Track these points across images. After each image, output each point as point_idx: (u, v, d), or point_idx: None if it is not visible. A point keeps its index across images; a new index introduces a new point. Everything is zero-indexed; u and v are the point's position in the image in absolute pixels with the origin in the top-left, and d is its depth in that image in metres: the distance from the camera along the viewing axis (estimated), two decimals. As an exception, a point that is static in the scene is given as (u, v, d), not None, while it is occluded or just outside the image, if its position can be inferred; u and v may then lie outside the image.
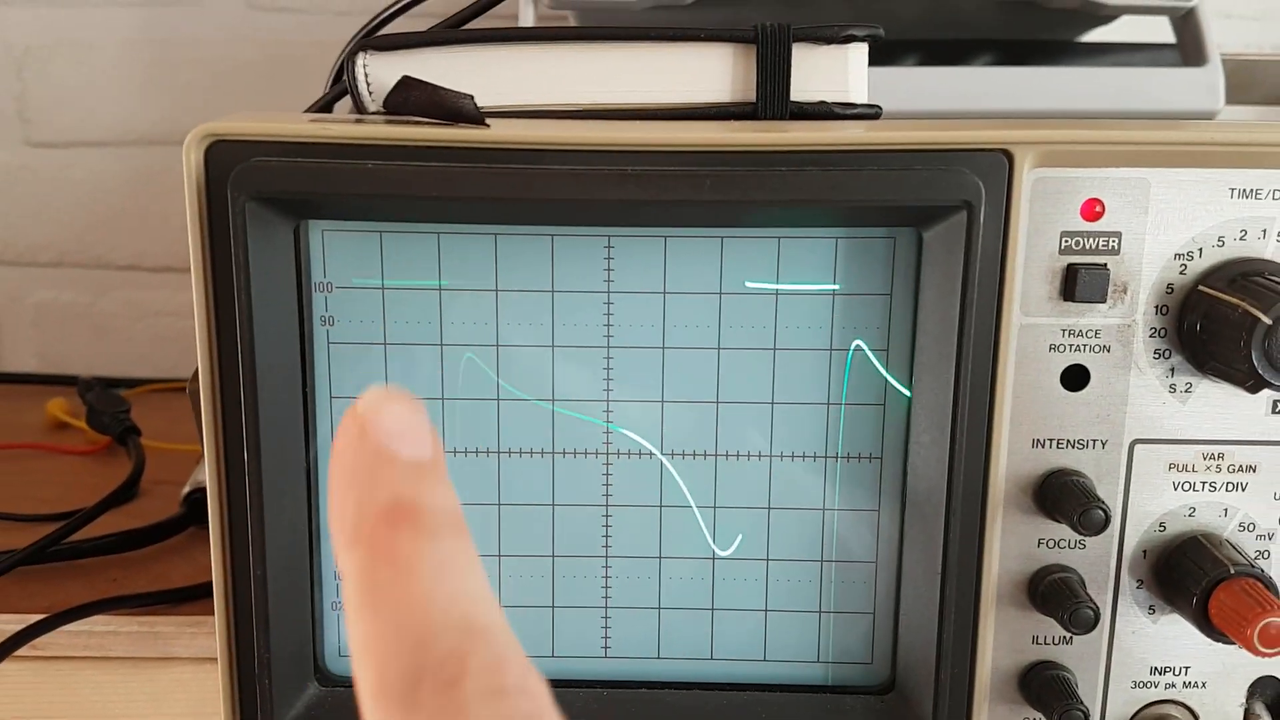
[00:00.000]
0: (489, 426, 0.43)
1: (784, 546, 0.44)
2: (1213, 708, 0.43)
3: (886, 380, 0.42)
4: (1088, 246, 0.39)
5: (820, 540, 0.44)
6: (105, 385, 0.82)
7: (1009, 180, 0.38)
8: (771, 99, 0.42)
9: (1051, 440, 0.41)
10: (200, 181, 0.38)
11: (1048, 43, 0.72)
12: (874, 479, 0.43)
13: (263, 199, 0.38)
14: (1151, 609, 0.43)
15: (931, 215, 0.39)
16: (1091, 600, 0.40)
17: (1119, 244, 0.39)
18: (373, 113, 0.43)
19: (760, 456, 0.43)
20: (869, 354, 0.42)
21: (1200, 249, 0.40)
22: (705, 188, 0.38)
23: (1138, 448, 0.41)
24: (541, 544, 0.44)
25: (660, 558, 0.44)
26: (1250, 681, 0.43)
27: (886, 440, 0.43)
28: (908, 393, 0.41)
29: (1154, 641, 0.43)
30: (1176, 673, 0.43)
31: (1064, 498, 0.40)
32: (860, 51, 0.42)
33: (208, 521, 0.62)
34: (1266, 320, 0.37)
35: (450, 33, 0.43)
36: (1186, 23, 0.63)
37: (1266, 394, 0.40)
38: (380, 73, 0.42)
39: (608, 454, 0.43)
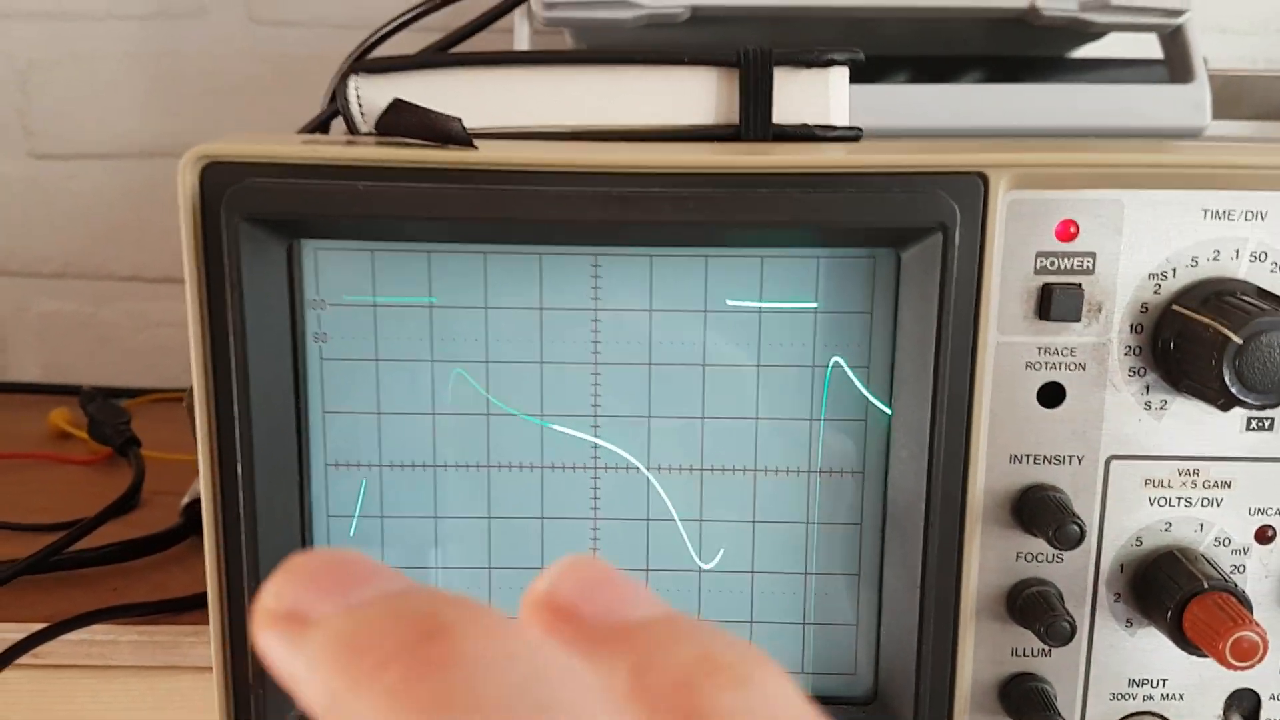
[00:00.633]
0: (479, 441, 0.44)
1: (767, 559, 0.45)
2: None
3: (867, 398, 0.43)
4: (1063, 267, 0.40)
5: (804, 553, 0.45)
6: (106, 396, 0.82)
7: (984, 202, 0.39)
8: (754, 121, 0.43)
9: (1029, 456, 0.42)
10: (195, 202, 0.39)
11: (1037, 59, 0.73)
12: (855, 493, 0.44)
13: (256, 219, 0.39)
14: (1129, 622, 0.43)
15: (909, 236, 0.40)
16: (1068, 613, 0.41)
17: (1093, 264, 0.40)
18: (364, 134, 0.44)
19: (744, 471, 0.44)
20: (849, 372, 0.43)
21: (1174, 269, 0.40)
22: (689, 209, 0.39)
23: (1114, 463, 0.42)
24: (531, 556, 0.45)
25: (647, 570, 0.45)
26: (1227, 694, 0.44)
27: (868, 455, 0.43)
28: (888, 410, 0.42)
29: (1131, 654, 0.44)
30: (1154, 685, 0.44)
31: (1041, 512, 0.41)
32: (841, 75, 0.43)
33: (206, 532, 0.63)
34: (1237, 340, 0.37)
35: (440, 56, 0.44)
36: (1174, 39, 0.63)
37: (1240, 411, 0.41)
38: (372, 95, 0.43)
39: (595, 468, 0.44)
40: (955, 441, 0.41)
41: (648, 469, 0.44)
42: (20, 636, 0.51)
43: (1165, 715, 0.44)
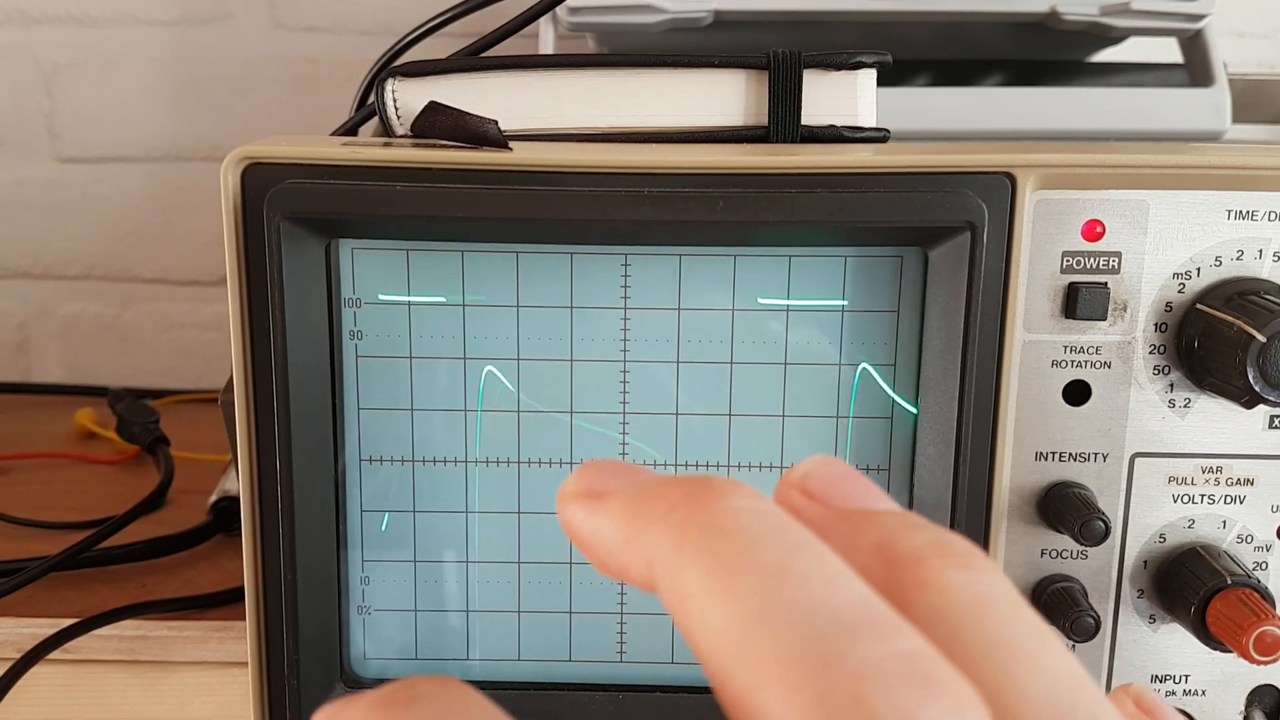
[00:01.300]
0: (509, 437, 0.45)
1: (794, 555, 0.45)
2: (1212, 715, 0.44)
3: (892, 398, 0.43)
4: (1088, 266, 0.41)
5: (830, 549, 0.45)
6: (134, 396, 0.83)
7: (1012, 202, 0.40)
8: (783, 123, 0.43)
9: (1054, 453, 0.42)
10: (237, 202, 0.40)
11: (1057, 63, 0.74)
12: (881, 490, 0.44)
13: (296, 219, 0.39)
14: (1152, 618, 0.44)
15: (937, 235, 0.40)
16: (1093, 609, 0.41)
17: (1119, 263, 0.41)
18: (401, 136, 0.44)
19: (771, 468, 0.44)
20: (875, 376, 0.43)
21: (1198, 268, 0.41)
22: (719, 208, 0.39)
23: (1138, 461, 0.42)
24: (560, 551, 0.46)
25: (674, 565, 0.45)
26: (1249, 690, 0.44)
27: (894, 452, 0.44)
28: (914, 410, 0.43)
29: (1154, 650, 0.44)
30: (1176, 680, 0.44)
31: (1066, 509, 0.41)
32: (869, 77, 0.43)
33: (234, 529, 0.64)
34: (1261, 338, 0.38)
35: (475, 60, 0.44)
36: (1194, 44, 0.64)
37: (1263, 409, 0.42)
38: (408, 98, 0.43)
39: (624, 464, 0.45)
40: (981, 438, 0.41)
41: (676, 466, 0.45)
42: (51, 631, 0.52)
43: (1188, 711, 0.44)
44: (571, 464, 0.45)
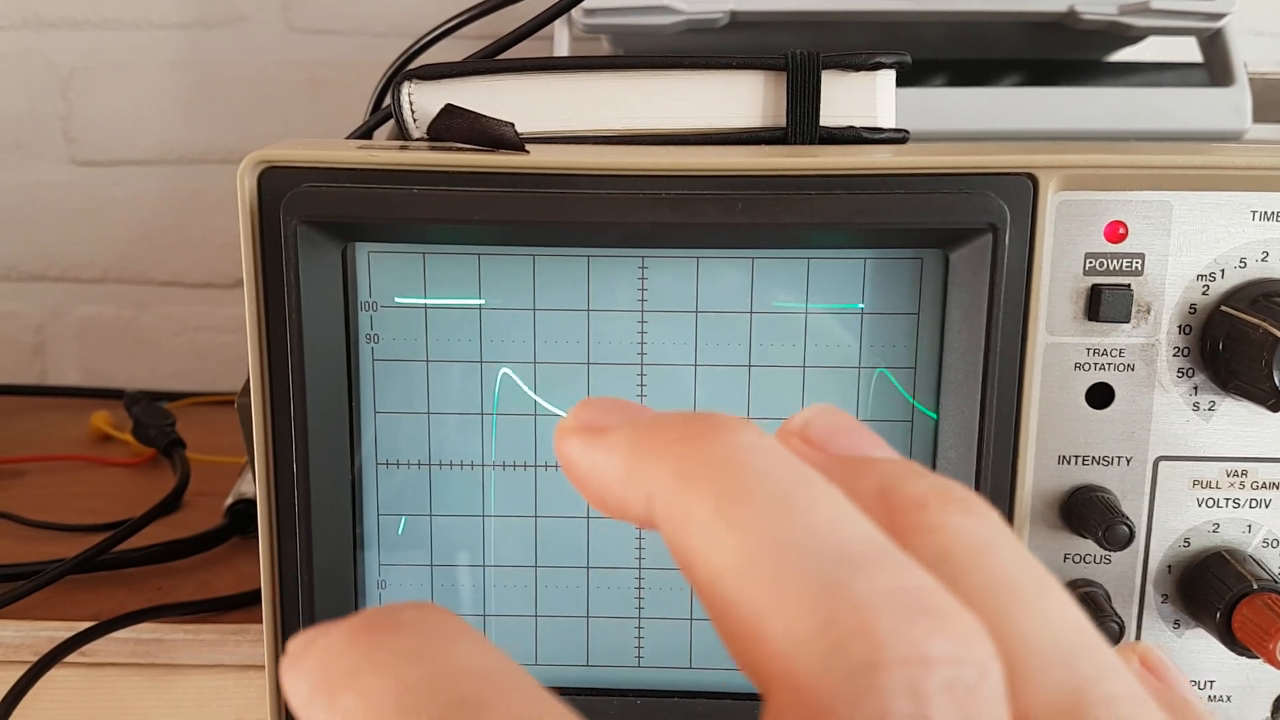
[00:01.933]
0: (526, 441, 0.44)
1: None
2: (1237, 721, 0.44)
3: (911, 403, 0.43)
4: (1111, 268, 0.40)
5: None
6: (150, 399, 0.83)
7: (1034, 203, 0.39)
8: (801, 124, 0.43)
9: (1077, 457, 0.42)
10: (254, 205, 0.39)
11: (1075, 63, 0.73)
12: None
13: (313, 222, 0.39)
14: (1176, 623, 0.43)
15: (958, 237, 0.40)
16: (1117, 614, 0.41)
17: (1142, 265, 0.40)
18: (417, 139, 0.44)
19: (790, 471, 0.44)
20: (894, 381, 0.43)
21: (1222, 270, 0.40)
22: (736, 210, 0.39)
23: (1162, 465, 0.42)
24: (577, 555, 0.46)
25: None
26: (1275, 696, 0.44)
27: (914, 456, 0.44)
28: (933, 415, 0.42)
29: (1179, 655, 0.44)
30: (1201, 686, 0.44)
31: (1089, 513, 0.41)
32: (888, 78, 0.43)
33: (250, 532, 0.64)
34: (1288, 340, 0.37)
35: (491, 62, 0.44)
36: (1214, 43, 0.63)
37: (1289, 412, 0.41)
38: (424, 101, 0.43)
39: (641, 468, 0.44)
40: (1004, 442, 0.41)
41: (694, 469, 0.44)
42: (67, 635, 0.52)
43: (1213, 717, 0.44)
44: (588, 468, 0.44)
